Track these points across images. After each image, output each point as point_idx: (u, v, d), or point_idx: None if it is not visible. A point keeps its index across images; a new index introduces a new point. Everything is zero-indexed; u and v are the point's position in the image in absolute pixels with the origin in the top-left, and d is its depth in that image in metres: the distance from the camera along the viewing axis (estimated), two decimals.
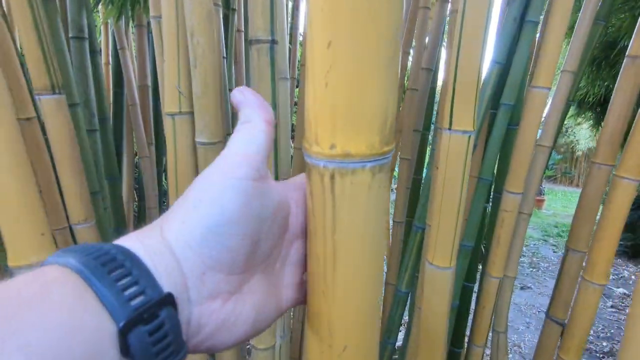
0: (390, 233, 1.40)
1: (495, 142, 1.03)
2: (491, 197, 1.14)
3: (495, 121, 1.05)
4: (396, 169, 1.43)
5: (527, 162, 0.85)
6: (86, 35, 1.04)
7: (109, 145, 1.23)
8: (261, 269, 0.24)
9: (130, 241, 0.20)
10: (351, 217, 0.19)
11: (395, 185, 1.38)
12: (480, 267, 1.16)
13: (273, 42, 0.50)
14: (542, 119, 1.22)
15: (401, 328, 1.38)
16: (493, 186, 1.12)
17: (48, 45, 0.63)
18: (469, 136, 0.57)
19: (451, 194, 0.58)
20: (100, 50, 1.42)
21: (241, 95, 0.24)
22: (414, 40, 1.28)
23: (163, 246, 0.20)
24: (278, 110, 0.53)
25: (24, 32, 0.61)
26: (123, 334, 0.17)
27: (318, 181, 0.20)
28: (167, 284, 0.19)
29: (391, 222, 1.40)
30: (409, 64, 1.32)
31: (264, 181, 0.22)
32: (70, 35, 1.02)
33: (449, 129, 0.58)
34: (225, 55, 1.32)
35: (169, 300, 0.19)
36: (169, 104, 0.50)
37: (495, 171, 1.09)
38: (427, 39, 1.26)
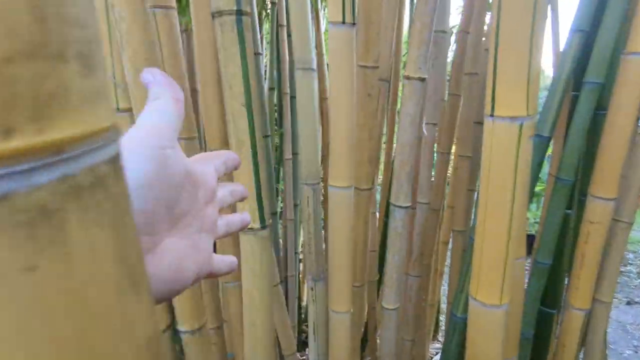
0: (451, 243, 1.22)
1: (577, 132, 0.81)
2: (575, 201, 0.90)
3: (578, 106, 0.82)
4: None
5: (620, 156, 0.64)
6: None
7: None
8: (176, 232, 0.26)
9: None
10: None
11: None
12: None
13: (240, 12, 0.39)
14: None
15: None
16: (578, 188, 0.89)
17: None
18: (521, 124, 0.40)
19: (497, 202, 0.42)
20: None
21: (150, 76, 0.26)
22: (472, 18, 1.08)
23: None
24: (253, 97, 0.41)
25: None
26: None
27: None
28: None
29: (451, 232, 1.21)
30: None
31: (174, 151, 0.24)
32: None
33: (491, 115, 0.41)
34: (261, 51, 1.25)
35: None
36: None
37: (580, 169, 0.86)
38: (488, 16, 1.06)
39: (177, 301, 0.48)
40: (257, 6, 1.45)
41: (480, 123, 1.11)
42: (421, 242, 1.12)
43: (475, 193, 1.15)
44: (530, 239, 0.96)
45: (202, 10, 0.57)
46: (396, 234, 0.67)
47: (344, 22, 0.50)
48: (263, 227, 0.46)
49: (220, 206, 0.30)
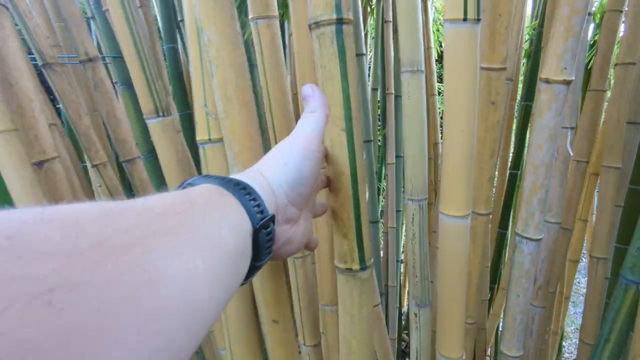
0: (587, 272, 1.01)
1: None
2: None
3: None
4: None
5: None
6: None
7: None
8: (304, 209, 0.35)
9: (245, 178, 0.30)
10: None
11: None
12: None
13: (340, 21, 0.33)
14: None
15: None
16: None
17: (151, 71, 0.61)
18: None
19: None
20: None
21: (310, 90, 0.35)
22: None
23: (266, 184, 0.31)
24: (355, 120, 0.35)
25: (129, 61, 0.60)
26: (256, 232, 0.28)
27: None
28: (270, 209, 0.29)
29: (586, 256, 1.00)
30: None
31: (319, 153, 0.34)
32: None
33: None
34: (364, 52, 1.18)
35: (273, 219, 0.29)
36: (199, 130, 0.39)
37: None
38: None
39: (271, 351, 0.45)
40: (361, 2, 1.38)
41: (635, 123, 0.88)
42: (548, 268, 0.94)
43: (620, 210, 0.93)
44: None
45: (302, 18, 0.53)
46: (522, 271, 0.55)
47: (465, 19, 0.41)
48: (363, 268, 0.39)
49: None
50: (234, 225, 0.25)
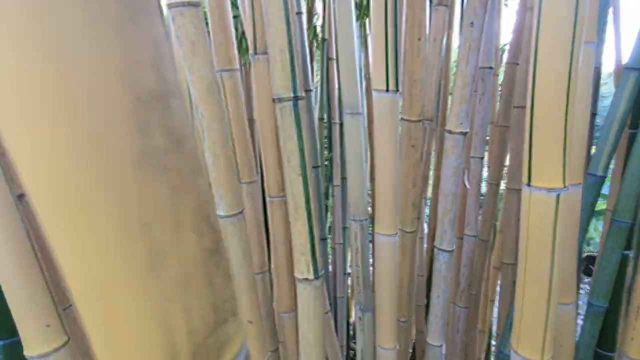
0: (501, 273, 1.20)
1: (634, 173, 0.79)
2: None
3: (634, 146, 0.80)
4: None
5: None
6: None
7: None
8: None
9: None
10: None
11: None
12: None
13: (296, 98, 0.45)
14: None
15: None
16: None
17: None
18: (557, 195, 0.42)
19: (536, 264, 0.45)
20: None
21: None
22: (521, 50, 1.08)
23: None
24: (308, 168, 0.48)
25: None
26: None
27: None
28: None
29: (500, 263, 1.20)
30: None
31: None
32: None
33: (528, 184, 0.44)
34: (311, 88, 1.32)
35: None
36: None
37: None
38: None
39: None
40: (309, 37, 1.54)
41: None
42: (469, 274, 1.12)
43: None
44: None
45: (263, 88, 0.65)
46: (440, 276, 0.70)
47: (387, 90, 0.55)
48: (316, 277, 0.51)
49: None
50: None
